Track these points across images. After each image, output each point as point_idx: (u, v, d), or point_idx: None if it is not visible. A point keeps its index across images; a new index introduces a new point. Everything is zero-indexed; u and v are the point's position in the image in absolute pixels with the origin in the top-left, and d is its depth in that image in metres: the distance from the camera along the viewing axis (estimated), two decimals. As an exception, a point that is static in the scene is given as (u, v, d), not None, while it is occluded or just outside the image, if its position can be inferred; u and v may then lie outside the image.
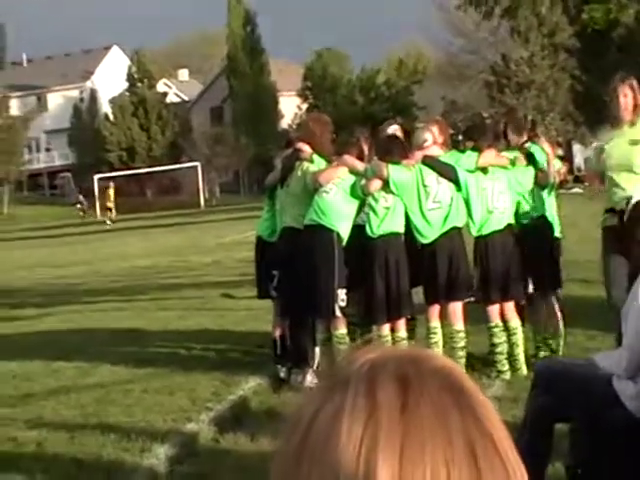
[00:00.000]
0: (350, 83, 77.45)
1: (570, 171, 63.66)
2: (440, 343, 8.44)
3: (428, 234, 8.40)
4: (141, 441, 6.76)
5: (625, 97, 7.58)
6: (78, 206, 68.23)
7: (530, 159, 8.62)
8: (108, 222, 54.52)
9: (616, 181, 7.58)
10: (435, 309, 8.50)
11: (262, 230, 9.32)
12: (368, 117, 69.26)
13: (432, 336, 8.45)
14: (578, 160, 78.79)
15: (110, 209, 58.10)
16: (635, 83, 7.67)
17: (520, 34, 51.18)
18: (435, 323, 8.47)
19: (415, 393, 0.95)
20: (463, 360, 8.38)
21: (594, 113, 53.43)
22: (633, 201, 7.09)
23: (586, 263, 14.39)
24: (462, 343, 8.39)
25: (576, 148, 73.93)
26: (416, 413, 0.94)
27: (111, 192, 58.62)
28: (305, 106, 75.93)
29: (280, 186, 8.90)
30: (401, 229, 8.51)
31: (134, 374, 9.28)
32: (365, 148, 8.90)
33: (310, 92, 77.68)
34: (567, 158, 46.16)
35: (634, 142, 7.55)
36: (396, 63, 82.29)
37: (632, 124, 7.62)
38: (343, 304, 8.42)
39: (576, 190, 50.04)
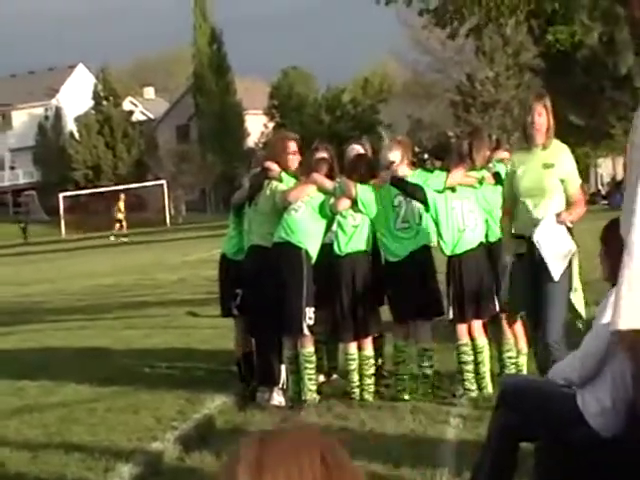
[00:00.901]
0: (316, 102, 77.59)
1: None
2: (407, 362, 8.45)
3: (397, 253, 8.41)
4: (105, 460, 6.71)
5: (540, 116, 7.35)
6: (21, 225, 66.59)
7: (498, 178, 8.65)
8: (112, 237, 53.24)
9: (528, 206, 7.33)
10: (403, 327, 8.51)
11: (227, 248, 9.31)
12: (334, 135, 69.35)
13: (399, 354, 8.46)
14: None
15: (120, 222, 56.34)
16: (549, 103, 7.44)
17: (485, 54, 51.48)
18: (403, 342, 8.48)
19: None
20: (430, 378, 8.40)
21: (559, 133, 53.79)
22: (535, 236, 7.13)
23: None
24: (430, 362, 8.41)
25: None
26: None
27: (121, 204, 57.03)
28: (271, 125, 75.98)
29: (248, 205, 8.90)
30: (368, 247, 8.53)
31: (98, 393, 9.22)
32: (334, 166, 8.91)
33: (276, 111, 77.74)
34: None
35: (547, 166, 7.31)
36: (362, 82, 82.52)
37: (544, 147, 7.37)
38: (311, 322, 8.41)
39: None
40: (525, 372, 8.33)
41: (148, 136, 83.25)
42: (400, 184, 8.45)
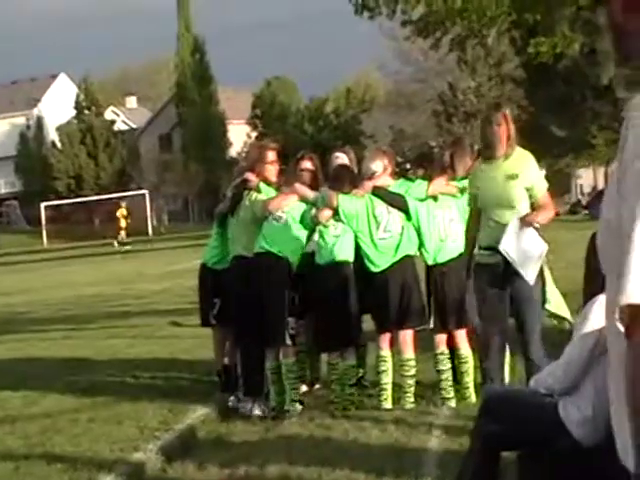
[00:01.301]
0: (299, 112, 77.63)
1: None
2: (390, 371, 8.46)
3: (379, 263, 8.44)
4: (87, 471, 6.70)
5: (499, 126, 7.15)
6: None
7: None
8: (116, 244, 52.88)
9: (494, 218, 7.21)
10: (386, 337, 8.53)
11: (208, 258, 9.34)
12: (317, 145, 69.40)
13: (381, 364, 8.47)
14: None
15: (124, 229, 55.57)
16: (509, 113, 7.30)
17: (467, 64, 51.65)
18: (385, 351, 8.50)
19: None
20: (412, 388, 8.42)
21: (540, 143, 54.04)
22: (501, 245, 7.05)
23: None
24: (412, 372, 8.43)
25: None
26: None
27: (124, 212, 56.34)
28: (254, 134, 75.98)
29: (231, 215, 8.91)
30: (350, 257, 8.55)
31: (81, 403, 9.20)
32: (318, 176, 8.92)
33: (259, 120, 77.75)
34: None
35: (511, 177, 7.15)
36: (344, 92, 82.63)
37: (506, 157, 7.20)
38: (293, 332, 8.42)
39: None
40: (507, 382, 8.36)
41: (130, 146, 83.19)
42: (381, 194, 8.48)
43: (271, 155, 8.88)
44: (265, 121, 76.89)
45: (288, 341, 8.39)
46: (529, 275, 7.08)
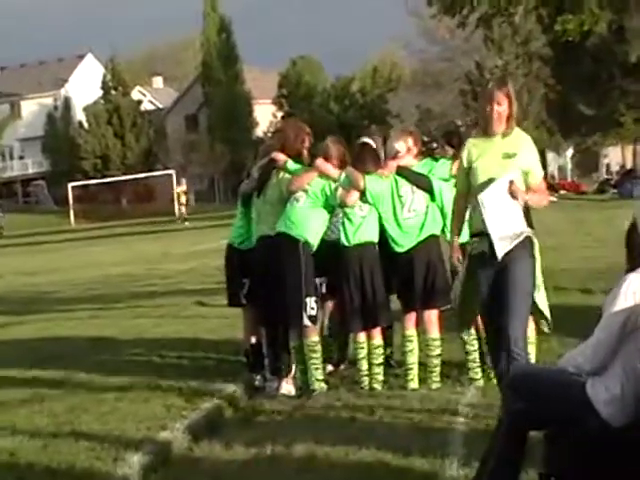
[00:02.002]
0: (325, 91, 77.52)
1: (544, 179, 63.90)
2: (415, 351, 8.45)
3: (404, 243, 8.41)
4: (114, 450, 6.72)
5: (500, 105, 6.70)
6: None
7: None
8: (178, 221, 53.28)
9: None
10: (412, 317, 8.51)
11: (234, 237, 9.28)
12: (343, 125, 69.43)
13: (407, 344, 8.46)
14: (552, 168, 79.25)
15: (184, 205, 55.99)
16: (512, 91, 6.81)
17: (494, 42, 51.40)
18: (411, 331, 8.48)
19: None
20: (438, 368, 8.40)
21: (568, 122, 53.79)
22: (481, 195, 6.63)
23: (561, 271, 14.48)
24: (437, 351, 8.41)
25: (550, 156, 74.31)
26: None
27: (184, 188, 56.65)
28: (280, 114, 75.95)
29: (257, 195, 8.88)
30: (375, 238, 8.52)
31: (108, 382, 9.23)
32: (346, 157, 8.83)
33: (285, 100, 77.75)
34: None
35: (508, 155, 6.73)
36: (370, 71, 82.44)
37: (504, 136, 6.77)
38: (313, 312, 8.40)
39: (550, 198, 50.27)
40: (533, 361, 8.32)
41: (157, 126, 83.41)
42: (406, 173, 8.45)
43: (307, 141, 8.83)
44: (291, 101, 76.91)
45: (307, 322, 8.37)
46: (499, 249, 6.65)
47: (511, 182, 6.65)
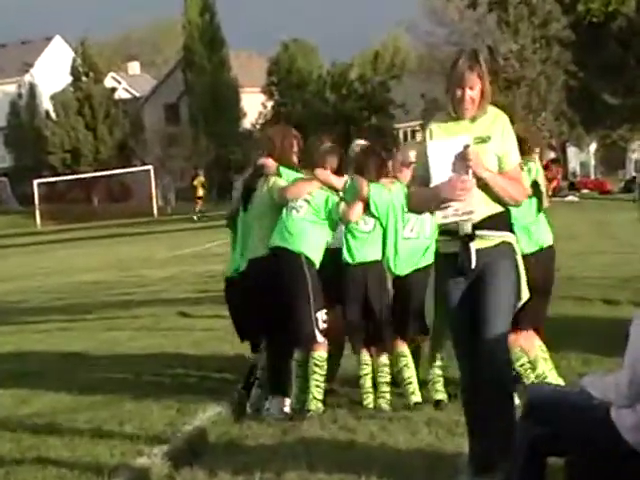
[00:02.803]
0: (320, 78, 77.51)
1: (565, 177, 63.95)
2: (410, 365, 8.56)
3: (398, 267, 8.46)
4: (85, 478, 6.72)
5: (472, 90, 6.19)
6: None
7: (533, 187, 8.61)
8: (195, 217, 53.16)
9: None
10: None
11: (234, 270, 9.11)
12: (340, 116, 69.43)
13: (401, 359, 8.55)
14: (573, 164, 79.33)
15: (200, 199, 55.92)
16: (484, 67, 6.35)
17: (509, 25, 51.45)
18: (402, 349, 8.59)
19: None
20: (441, 383, 8.47)
21: (591, 113, 53.81)
22: (430, 144, 6.22)
23: (583, 279, 14.50)
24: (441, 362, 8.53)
25: (571, 151, 74.41)
26: None
27: (202, 179, 56.48)
28: (270, 104, 75.95)
29: (243, 209, 8.83)
30: (379, 255, 8.53)
31: (79, 402, 9.24)
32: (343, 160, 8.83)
33: (275, 88, 77.67)
34: (561, 162, 46.38)
35: (482, 139, 6.19)
36: (371, 56, 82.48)
37: (474, 119, 6.25)
38: (325, 325, 8.43)
39: (571, 198, 50.32)
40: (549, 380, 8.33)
41: (133, 116, 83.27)
42: None
43: (296, 145, 8.83)
44: (282, 89, 76.79)
45: (319, 337, 8.40)
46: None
47: (466, 146, 6.09)
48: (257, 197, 8.72)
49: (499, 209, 6.20)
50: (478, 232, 6.07)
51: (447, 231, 6.20)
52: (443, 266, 6.37)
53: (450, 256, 6.18)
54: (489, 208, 6.14)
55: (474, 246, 6.06)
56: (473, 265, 6.05)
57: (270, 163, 8.69)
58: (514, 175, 6.30)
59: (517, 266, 6.22)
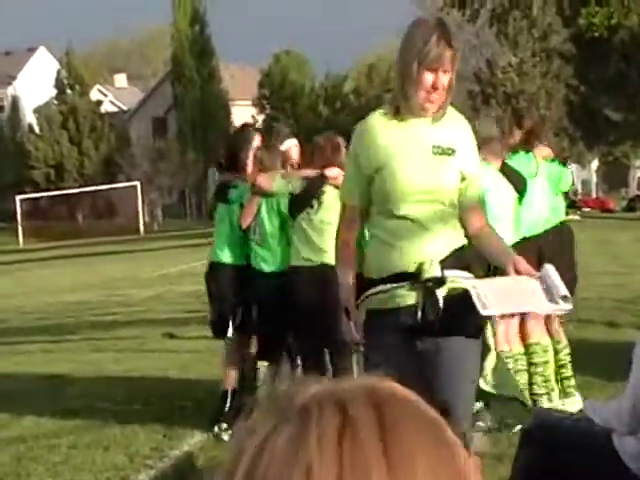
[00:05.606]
0: (313, 91, 77.63)
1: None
2: None
3: None
4: (69, 505, 6.72)
5: (445, 74, 4.70)
6: None
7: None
8: None
9: (409, 224, 4.83)
10: None
11: (233, 256, 8.94)
12: (333, 130, 69.43)
13: None
14: (574, 182, 79.46)
15: None
16: (455, 59, 4.77)
17: (508, 37, 51.54)
18: None
19: (390, 413, 1.01)
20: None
21: (592, 129, 53.94)
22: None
23: (584, 301, 14.50)
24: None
25: (572, 168, 74.39)
26: (396, 431, 0.99)
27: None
28: (261, 117, 76.05)
29: (297, 212, 8.53)
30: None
31: (61, 426, 9.22)
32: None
33: (267, 101, 77.80)
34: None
35: (443, 151, 4.83)
36: (366, 69, 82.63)
37: (434, 120, 4.83)
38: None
39: (571, 217, 50.41)
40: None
41: (119, 130, 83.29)
42: (507, 171, 8.63)
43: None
44: (274, 102, 76.94)
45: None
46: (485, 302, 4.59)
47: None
48: (323, 206, 8.42)
49: (459, 242, 5.00)
50: (448, 273, 4.77)
51: (394, 275, 4.80)
52: (381, 324, 4.92)
53: (396, 313, 4.81)
54: (450, 242, 4.92)
55: (441, 293, 4.74)
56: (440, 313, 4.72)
57: (333, 172, 8.38)
58: (478, 206, 5.07)
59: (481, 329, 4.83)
